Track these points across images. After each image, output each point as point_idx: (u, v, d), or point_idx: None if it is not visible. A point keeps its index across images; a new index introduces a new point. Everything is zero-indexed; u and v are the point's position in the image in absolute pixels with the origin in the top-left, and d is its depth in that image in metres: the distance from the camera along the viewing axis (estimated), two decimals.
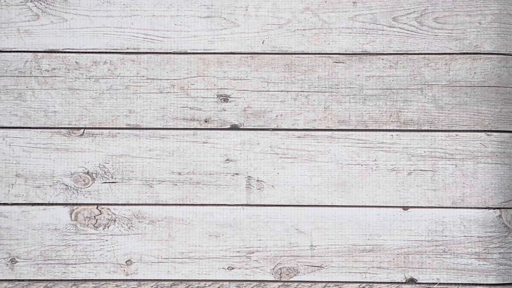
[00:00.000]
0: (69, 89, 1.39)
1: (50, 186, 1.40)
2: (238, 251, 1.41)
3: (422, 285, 1.41)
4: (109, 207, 1.40)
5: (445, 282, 1.41)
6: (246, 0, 1.39)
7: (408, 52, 1.39)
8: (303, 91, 1.39)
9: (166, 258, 1.41)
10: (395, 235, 1.41)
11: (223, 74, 1.40)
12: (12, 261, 1.41)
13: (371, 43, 1.39)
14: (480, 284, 1.41)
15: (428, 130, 1.39)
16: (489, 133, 1.39)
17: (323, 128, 1.40)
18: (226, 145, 1.40)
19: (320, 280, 1.41)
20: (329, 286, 1.41)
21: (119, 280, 1.42)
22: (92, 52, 1.40)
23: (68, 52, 1.39)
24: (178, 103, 1.40)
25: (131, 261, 1.41)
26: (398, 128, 1.40)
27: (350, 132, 1.40)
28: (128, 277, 1.42)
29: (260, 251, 1.41)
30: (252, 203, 1.40)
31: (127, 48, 1.39)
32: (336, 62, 1.39)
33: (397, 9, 1.39)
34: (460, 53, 1.39)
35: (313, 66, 1.39)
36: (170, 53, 1.39)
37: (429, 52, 1.39)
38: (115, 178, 1.40)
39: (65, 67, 1.39)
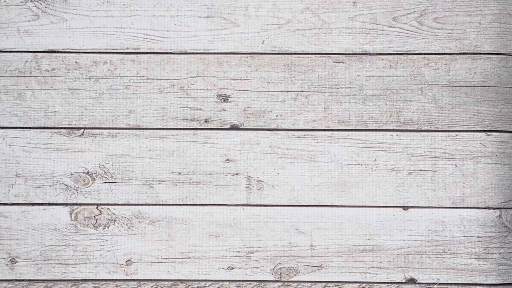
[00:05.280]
0: (69, 89, 1.39)
1: (50, 186, 1.40)
2: (238, 251, 1.41)
3: (422, 285, 1.41)
4: (109, 207, 1.40)
5: (445, 282, 1.41)
6: (246, 0, 1.39)
7: (408, 52, 1.39)
8: (303, 91, 1.39)
9: (166, 258, 1.41)
10: (395, 235, 1.41)
11: (223, 74, 1.40)
12: (12, 261, 1.41)
13: (371, 43, 1.39)
14: (480, 284, 1.41)
15: (428, 130, 1.39)
16: (489, 133, 1.39)
17: (323, 128, 1.40)
18: (226, 145, 1.40)
19: (320, 280, 1.41)
20: (329, 286, 1.41)
21: (119, 280, 1.42)
22: (92, 52, 1.40)
23: (68, 52, 1.39)
24: (178, 103, 1.40)
25: (131, 261, 1.41)
26: (398, 128, 1.40)
27: (350, 132, 1.40)
28: (128, 277, 1.42)
29: (260, 251, 1.41)
30: (252, 203, 1.40)
31: (127, 48, 1.39)
32: (336, 62, 1.39)
33: (397, 9, 1.39)
34: (460, 53, 1.39)
35: (313, 66, 1.39)
36: (170, 53, 1.40)
37: (429, 52, 1.39)
38: (115, 178, 1.40)
39: (65, 67, 1.39)
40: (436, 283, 1.41)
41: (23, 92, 1.39)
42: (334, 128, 1.40)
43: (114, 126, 1.40)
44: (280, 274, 1.41)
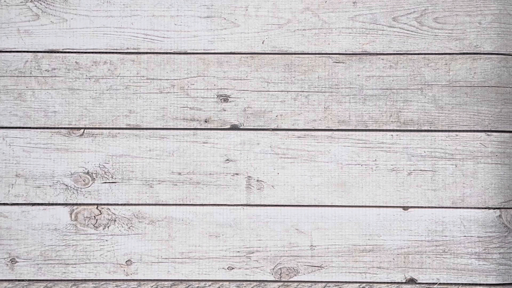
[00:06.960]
0: (69, 89, 1.39)
1: (50, 186, 1.40)
2: (238, 251, 1.41)
3: (422, 285, 1.41)
4: (109, 207, 1.40)
5: (445, 282, 1.41)
6: (246, 0, 1.39)
7: (408, 52, 1.39)
8: (303, 91, 1.39)
9: (166, 258, 1.41)
10: (395, 235, 1.41)
11: (223, 74, 1.40)
12: (12, 261, 1.41)
13: (371, 43, 1.39)
14: (480, 284, 1.41)
15: (428, 130, 1.39)
16: (489, 133, 1.39)
17: (323, 128, 1.40)
18: (226, 145, 1.40)
19: (320, 280, 1.41)
20: (329, 286, 1.41)
21: (119, 280, 1.42)
22: (92, 52, 1.40)
23: (68, 52, 1.39)
24: (178, 103, 1.40)
25: (131, 261, 1.41)
26: (398, 128, 1.40)
27: (350, 132, 1.40)
28: (128, 277, 1.42)
29: (260, 251, 1.41)
30: (252, 203, 1.40)
31: (127, 48, 1.39)
32: (336, 62, 1.39)
33: (397, 9, 1.39)
34: (460, 53, 1.39)
35: (313, 66, 1.39)
36: (170, 53, 1.40)
37: (429, 52, 1.39)
38: (115, 178, 1.40)
39: (65, 67, 1.39)
40: (436, 283, 1.41)
41: (23, 92, 1.39)
42: (334, 128, 1.40)
43: (114, 126, 1.40)
44: (280, 274, 1.41)
